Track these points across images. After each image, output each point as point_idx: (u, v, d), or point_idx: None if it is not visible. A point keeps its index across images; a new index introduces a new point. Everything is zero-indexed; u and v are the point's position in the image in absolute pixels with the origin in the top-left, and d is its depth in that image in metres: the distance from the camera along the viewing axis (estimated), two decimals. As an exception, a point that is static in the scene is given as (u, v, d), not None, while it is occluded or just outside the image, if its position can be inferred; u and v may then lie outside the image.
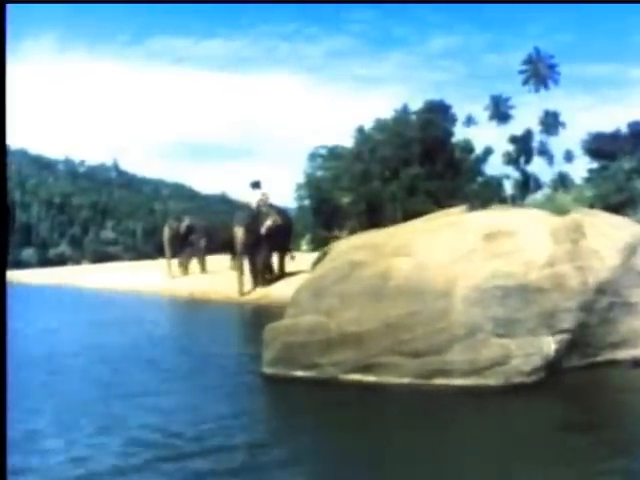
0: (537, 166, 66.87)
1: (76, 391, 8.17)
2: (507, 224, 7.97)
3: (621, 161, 48.08)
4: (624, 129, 57.28)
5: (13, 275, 31.75)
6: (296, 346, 7.88)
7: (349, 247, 8.80)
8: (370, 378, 7.42)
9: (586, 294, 7.34)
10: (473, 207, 9.39)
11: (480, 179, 60.62)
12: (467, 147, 59.51)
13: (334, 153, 58.33)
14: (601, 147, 55.06)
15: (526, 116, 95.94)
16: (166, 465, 5.46)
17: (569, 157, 66.45)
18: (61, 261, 72.85)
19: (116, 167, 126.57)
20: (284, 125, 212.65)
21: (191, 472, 5.32)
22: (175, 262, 25.92)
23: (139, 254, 69.49)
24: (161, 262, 26.54)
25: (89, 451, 5.86)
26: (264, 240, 19.50)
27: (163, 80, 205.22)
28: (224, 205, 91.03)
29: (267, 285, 19.87)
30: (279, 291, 18.07)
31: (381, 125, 58.05)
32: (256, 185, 20.84)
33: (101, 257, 71.88)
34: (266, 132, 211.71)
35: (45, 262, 70.49)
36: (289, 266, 20.98)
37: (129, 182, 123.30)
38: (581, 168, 60.18)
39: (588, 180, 54.45)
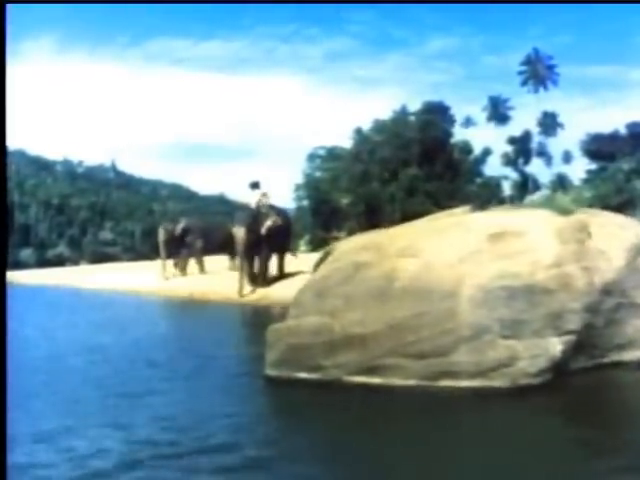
0: (535, 167, 66.89)
1: (76, 391, 8.13)
2: (512, 224, 7.91)
3: (620, 162, 48.08)
4: (623, 130, 57.37)
5: (11, 275, 31.62)
6: (300, 348, 7.81)
7: (352, 248, 8.73)
8: (375, 380, 7.35)
9: (592, 295, 7.29)
10: (473, 208, 9.34)
11: (479, 180, 60.57)
12: (466, 148, 59.46)
13: (333, 154, 58.25)
14: (600, 148, 55.12)
15: (524, 117, 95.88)
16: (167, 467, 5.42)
17: (567, 158, 66.49)
18: (59, 262, 72.63)
19: (114, 168, 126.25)
20: (283, 126, 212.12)
21: (194, 473, 5.29)
22: (170, 263, 25.88)
23: (138, 255, 69.29)
24: (159, 263, 26.42)
25: (89, 451, 5.83)
26: (264, 240, 19.44)
27: (162, 81, 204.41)
28: (223, 206, 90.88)
29: (267, 286, 19.81)
30: (279, 292, 18.03)
31: (380, 126, 57.96)
32: (255, 185, 20.77)
33: (99, 258, 71.64)
34: (265, 133, 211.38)
35: (43, 263, 70.26)
36: (289, 266, 20.91)
37: (127, 183, 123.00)
38: (579, 169, 60.30)
39: (587, 181, 54.49)
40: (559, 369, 7.17)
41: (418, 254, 7.77)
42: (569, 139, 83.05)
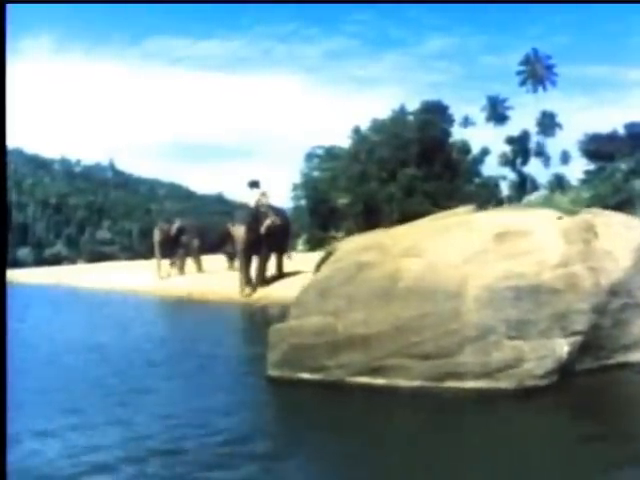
0: (534, 167, 66.89)
1: (77, 391, 8.08)
2: (518, 224, 7.84)
3: (618, 162, 48.07)
4: (621, 130, 57.36)
5: (10, 275, 31.56)
6: (302, 348, 7.73)
7: (355, 248, 8.64)
8: (379, 381, 7.26)
9: (599, 295, 7.20)
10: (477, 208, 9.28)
11: (477, 180, 60.58)
12: (464, 148, 59.47)
13: (331, 153, 58.25)
14: (598, 148, 55.08)
15: (523, 117, 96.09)
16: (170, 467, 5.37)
17: (565, 158, 66.50)
18: (57, 261, 72.62)
19: (112, 167, 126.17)
20: (281, 125, 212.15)
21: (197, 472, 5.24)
22: (165, 263, 25.87)
23: (135, 254, 69.23)
24: (166, 262, 26.40)
25: (90, 451, 5.79)
26: (264, 240, 19.41)
27: (160, 80, 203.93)
28: (221, 205, 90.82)
29: (266, 285, 19.78)
30: (279, 291, 18.01)
31: (378, 126, 57.94)
32: (255, 184, 20.75)
33: (97, 257, 71.64)
34: (263, 132, 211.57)
35: (41, 262, 70.26)
36: (286, 266, 20.92)
37: (125, 182, 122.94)
38: (577, 169, 60.26)
39: (585, 181, 54.45)
40: (565, 370, 7.09)
41: (422, 254, 7.69)
42: (567, 139, 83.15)
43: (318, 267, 9.23)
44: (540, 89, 68.12)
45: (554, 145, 67.45)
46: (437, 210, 10.26)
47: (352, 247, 8.79)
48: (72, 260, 74.98)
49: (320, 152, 59.24)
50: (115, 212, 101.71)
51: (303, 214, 57.22)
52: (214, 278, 22.76)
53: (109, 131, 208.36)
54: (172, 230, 25.86)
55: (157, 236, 26.11)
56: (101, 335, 12.80)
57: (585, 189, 48.47)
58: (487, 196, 52.97)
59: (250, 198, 20.49)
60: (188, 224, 26.40)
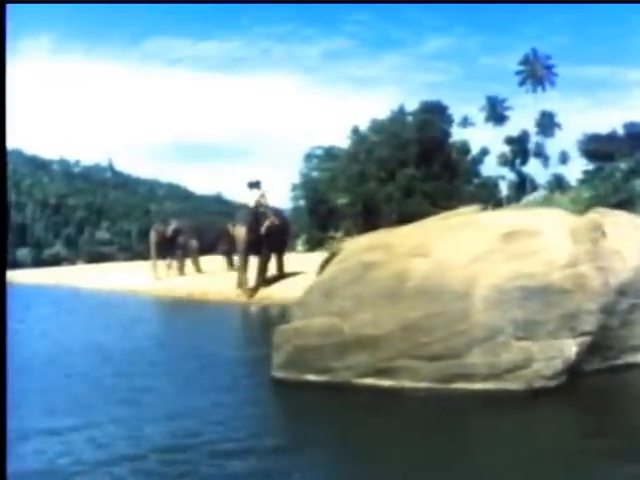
0: (532, 167, 66.90)
1: (78, 391, 8.05)
2: (525, 224, 7.77)
3: (618, 162, 48.02)
4: (620, 131, 57.33)
5: (9, 275, 31.49)
6: (308, 349, 7.65)
7: (360, 248, 8.58)
8: (386, 382, 7.19)
9: (608, 295, 7.14)
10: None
11: (476, 180, 60.57)
12: (464, 148, 59.45)
13: (330, 154, 58.19)
14: (598, 148, 55.03)
15: (522, 118, 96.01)
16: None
17: (564, 159, 66.47)
18: (56, 261, 72.58)
19: (111, 167, 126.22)
20: (280, 126, 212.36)
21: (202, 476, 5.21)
22: (161, 264, 25.86)
23: (134, 254, 69.13)
24: (162, 263, 26.37)
25: (91, 451, 5.78)
26: (264, 240, 19.40)
27: (159, 81, 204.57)
28: (220, 206, 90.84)
29: (267, 285, 19.75)
30: (281, 291, 17.99)
31: (377, 126, 57.90)
32: (255, 185, 20.74)
33: (96, 257, 71.64)
34: (262, 133, 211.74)
35: (40, 262, 70.25)
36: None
37: (124, 183, 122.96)
38: (576, 170, 60.26)
39: (584, 181, 54.38)
40: (573, 371, 7.03)
41: (429, 254, 7.62)
42: (566, 139, 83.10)
43: (322, 268, 9.17)
44: (539, 89, 68.11)
45: (553, 145, 67.52)
46: (436, 210, 10.20)
47: (357, 247, 8.73)
48: (71, 261, 74.93)
49: (319, 152, 59.18)
50: (114, 212, 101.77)
51: (302, 214, 57.18)
52: (214, 278, 22.70)
53: (108, 131, 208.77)
54: (168, 231, 25.88)
55: (153, 237, 26.18)
56: (102, 335, 12.74)
57: (585, 189, 48.38)
58: (486, 196, 52.83)
59: (250, 198, 20.47)
60: (184, 225, 26.40)
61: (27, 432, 6.26)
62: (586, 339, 7.00)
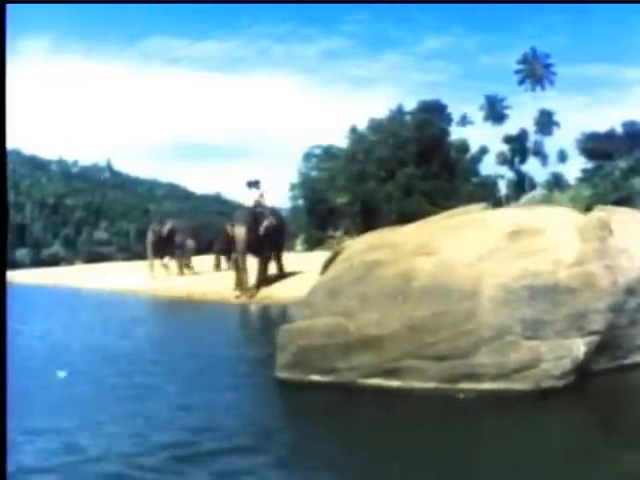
0: (531, 166, 66.91)
1: (79, 391, 7.99)
2: (532, 222, 7.68)
3: (617, 161, 48.06)
4: (619, 129, 57.39)
5: (8, 275, 31.44)
6: (312, 349, 7.56)
7: (365, 247, 8.49)
8: (392, 383, 7.11)
9: (616, 294, 7.06)
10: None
11: (475, 179, 60.55)
12: (462, 147, 59.45)
13: (329, 153, 58.15)
14: (597, 147, 55.10)
15: (521, 116, 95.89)
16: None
17: (563, 157, 66.49)
18: (54, 261, 72.52)
19: (110, 167, 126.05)
20: (279, 125, 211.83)
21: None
22: (157, 264, 25.87)
23: (132, 254, 69.02)
24: (158, 263, 26.34)
25: (92, 450, 5.73)
26: (263, 240, 19.37)
27: (157, 81, 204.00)
28: (219, 205, 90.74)
29: (268, 285, 19.74)
30: (282, 291, 17.99)
31: (376, 125, 57.87)
32: (254, 184, 20.75)
33: (94, 257, 71.54)
34: (261, 132, 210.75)
35: (38, 262, 70.19)
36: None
37: (123, 182, 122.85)
38: (574, 168, 60.31)
39: (583, 180, 54.41)
40: (581, 371, 6.96)
41: (435, 252, 7.53)
42: (565, 138, 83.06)
43: (325, 267, 9.09)
44: (538, 88, 68.12)
45: (552, 144, 67.51)
46: (436, 209, 10.11)
47: (361, 246, 8.63)
48: (70, 261, 74.85)
49: (318, 152, 59.13)
50: (113, 212, 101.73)
51: (301, 214, 57.18)
52: (215, 278, 22.67)
53: (106, 131, 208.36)
54: (164, 231, 25.91)
55: (150, 237, 26.30)
56: (102, 336, 12.68)
57: (585, 187, 48.40)
58: (485, 195, 52.80)
59: (249, 198, 20.48)
60: (180, 225, 26.41)
61: (27, 432, 6.20)
62: (594, 338, 6.93)
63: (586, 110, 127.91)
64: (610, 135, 57.46)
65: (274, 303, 17.47)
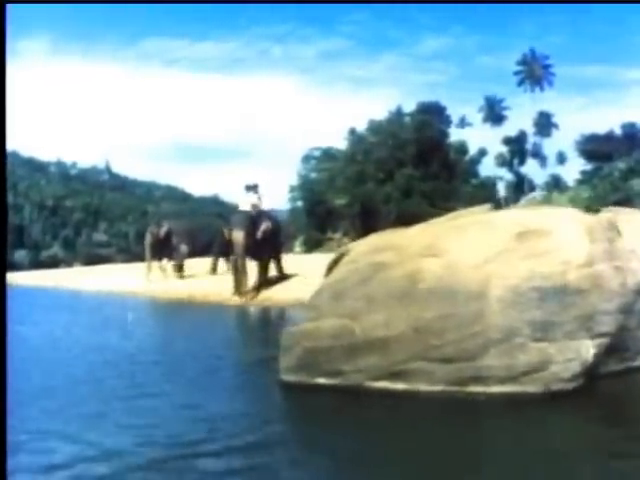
0: (530, 168, 66.90)
1: (80, 392, 7.95)
2: (539, 222, 7.60)
3: (616, 162, 48.09)
4: (618, 131, 57.43)
5: (8, 277, 31.38)
6: (318, 351, 7.49)
7: (370, 248, 8.41)
8: (398, 385, 7.04)
9: (625, 296, 7.00)
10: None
11: (474, 181, 60.58)
12: (462, 148, 59.48)
13: (328, 154, 58.19)
14: (596, 148, 55.15)
15: (519, 118, 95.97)
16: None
17: (561, 159, 66.50)
18: (53, 263, 72.41)
19: (108, 169, 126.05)
20: (278, 126, 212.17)
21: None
22: (154, 266, 25.86)
23: (131, 256, 68.94)
24: (156, 265, 26.31)
25: (92, 450, 5.71)
26: (262, 244, 19.39)
27: (156, 82, 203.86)
28: (217, 207, 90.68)
29: (268, 287, 19.71)
30: (282, 293, 17.98)
31: (375, 126, 57.90)
32: (253, 188, 20.74)
33: (93, 259, 71.41)
34: (259, 133, 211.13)
35: (37, 264, 70.07)
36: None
37: (122, 184, 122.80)
38: (573, 170, 60.35)
39: (582, 181, 54.46)
40: (590, 373, 6.90)
41: (441, 254, 7.45)
42: (564, 140, 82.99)
43: (329, 269, 9.02)
44: (537, 89, 68.10)
45: (551, 145, 67.52)
46: (435, 211, 10.04)
47: (366, 248, 8.56)
48: (68, 262, 74.75)
49: (317, 153, 59.19)
50: (111, 214, 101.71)
51: (300, 215, 57.19)
52: (215, 280, 22.61)
53: (105, 133, 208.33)
54: (161, 233, 25.89)
55: (148, 239, 26.27)
56: (103, 337, 12.61)
57: (584, 189, 48.42)
58: (485, 196, 52.83)
59: (246, 202, 20.48)
60: (175, 227, 26.35)
61: (27, 432, 6.16)
62: (604, 340, 6.87)
63: (585, 111, 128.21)
64: (609, 136, 57.54)
65: (274, 305, 17.44)
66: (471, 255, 7.29)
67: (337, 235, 54.82)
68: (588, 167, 56.99)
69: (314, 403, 7.24)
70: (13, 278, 34.63)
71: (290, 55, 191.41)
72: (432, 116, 58.07)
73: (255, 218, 19.76)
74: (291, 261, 22.46)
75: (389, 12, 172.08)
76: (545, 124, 67.00)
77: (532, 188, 64.98)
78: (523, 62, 67.68)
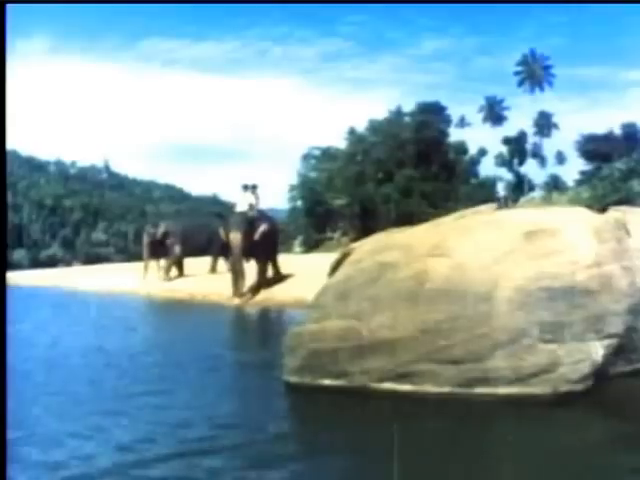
0: (530, 168, 66.84)
1: (81, 392, 7.91)
2: (547, 222, 7.51)
3: (616, 162, 48.01)
4: (617, 131, 57.36)
5: (8, 277, 31.30)
6: (323, 353, 7.42)
7: (376, 248, 8.32)
8: (405, 387, 6.97)
9: (635, 296, 6.92)
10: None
11: (474, 181, 60.56)
12: (461, 149, 59.45)
13: (328, 154, 58.17)
14: (595, 149, 55.09)
15: (519, 118, 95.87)
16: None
17: (561, 159, 66.45)
18: (52, 263, 72.32)
19: (107, 169, 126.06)
20: (277, 127, 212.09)
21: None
22: (152, 266, 25.83)
23: (130, 256, 68.90)
24: (153, 265, 26.29)
25: (92, 451, 5.72)
26: (259, 245, 19.40)
27: (155, 82, 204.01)
28: (216, 207, 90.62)
29: (267, 288, 19.69)
30: (282, 293, 17.96)
31: (375, 127, 57.88)
32: (251, 188, 20.70)
33: (92, 259, 71.43)
34: (258, 134, 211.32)
35: (37, 264, 70.01)
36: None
37: (120, 184, 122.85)
38: (572, 170, 60.31)
39: (581, 181, 54.40)
40: (598, 375, 6.82)
41: (449, 254, 7.36)
42: (563, 140, 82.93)
43: (333, 269, 8.93)
44: (538, 90, 68.03)
45: (550, 146, 67.44)
46: (435, 211, 9.99)
47: (372, 247, 8.46)
48: (68, 262, 74.68)
49: (316, 153, 59.18)
50: (110, 214, 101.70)
51: (299, 215, 57.15)
52: (216, 280, 22.54)
53: (105, 133, 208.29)
54: (158, 234, 25.90)
55: (145, 239, 26.53)
56: (103, 338, 12.54)
57: (584, 189, 48.34)
58: (484, 197, 52.80)
59: (243, 203, 20.45)
60: (172, 228, 26.30)
61: (28, 435, 6.13)
62: (613, 341, 6.79)
63: (585, 112, 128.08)
64: (609, 137, 57.46)
65: (274, 305, 17.42)
66: (479, 255, 7.21)
67: (336, 235, 54.80)
68: (588, 167, 56.91)
69: (319, 405, 7.17)
70: (12, 278, 34.57)
71: (290, 56, 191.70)
72: (432, 116, 58.02)
73: (252, 220, 19.76)
74: (290, 261, 22.42)
75: (388, 13, 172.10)
76: (545, 124, 66.94)
77: (532, 188, 64.97)
78: (523, 63, 67.58)
